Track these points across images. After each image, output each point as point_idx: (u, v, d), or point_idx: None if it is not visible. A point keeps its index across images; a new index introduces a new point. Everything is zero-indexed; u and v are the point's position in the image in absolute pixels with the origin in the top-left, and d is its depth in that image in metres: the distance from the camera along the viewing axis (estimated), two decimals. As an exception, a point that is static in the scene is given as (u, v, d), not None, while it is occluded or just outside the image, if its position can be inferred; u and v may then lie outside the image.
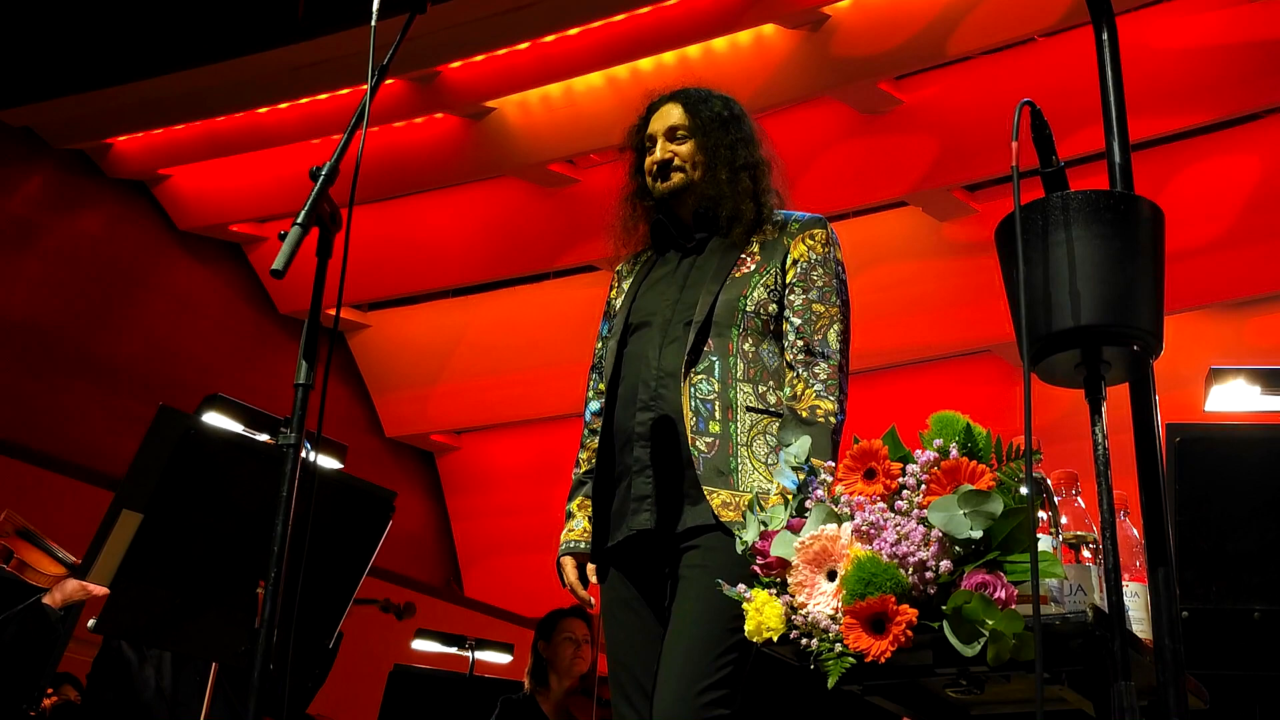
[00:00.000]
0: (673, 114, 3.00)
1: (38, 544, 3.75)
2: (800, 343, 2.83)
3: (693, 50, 7.82)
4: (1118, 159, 1.89)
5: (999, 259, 1.86)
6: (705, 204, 2.94)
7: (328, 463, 4.40)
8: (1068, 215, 1.77)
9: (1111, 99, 1.92)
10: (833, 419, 2.76)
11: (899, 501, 1.88)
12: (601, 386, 2.98)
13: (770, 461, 2.75)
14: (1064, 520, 1.98)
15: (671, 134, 2.98)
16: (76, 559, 3.74)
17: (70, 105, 8.32)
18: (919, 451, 1.91)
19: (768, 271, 2.87)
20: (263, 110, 8.55)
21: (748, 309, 2.83)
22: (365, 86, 2.33)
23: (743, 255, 2.89)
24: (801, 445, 2.10)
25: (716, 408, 2.77)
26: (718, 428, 2.76)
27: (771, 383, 2.83)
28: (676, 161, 2.95)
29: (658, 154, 2.97)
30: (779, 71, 7.70)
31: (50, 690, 5.73)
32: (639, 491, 2.80)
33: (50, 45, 8.23)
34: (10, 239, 8.41)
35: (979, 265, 7.75)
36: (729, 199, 2.92)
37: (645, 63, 7.80)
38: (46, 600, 3.71)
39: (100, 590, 3.56)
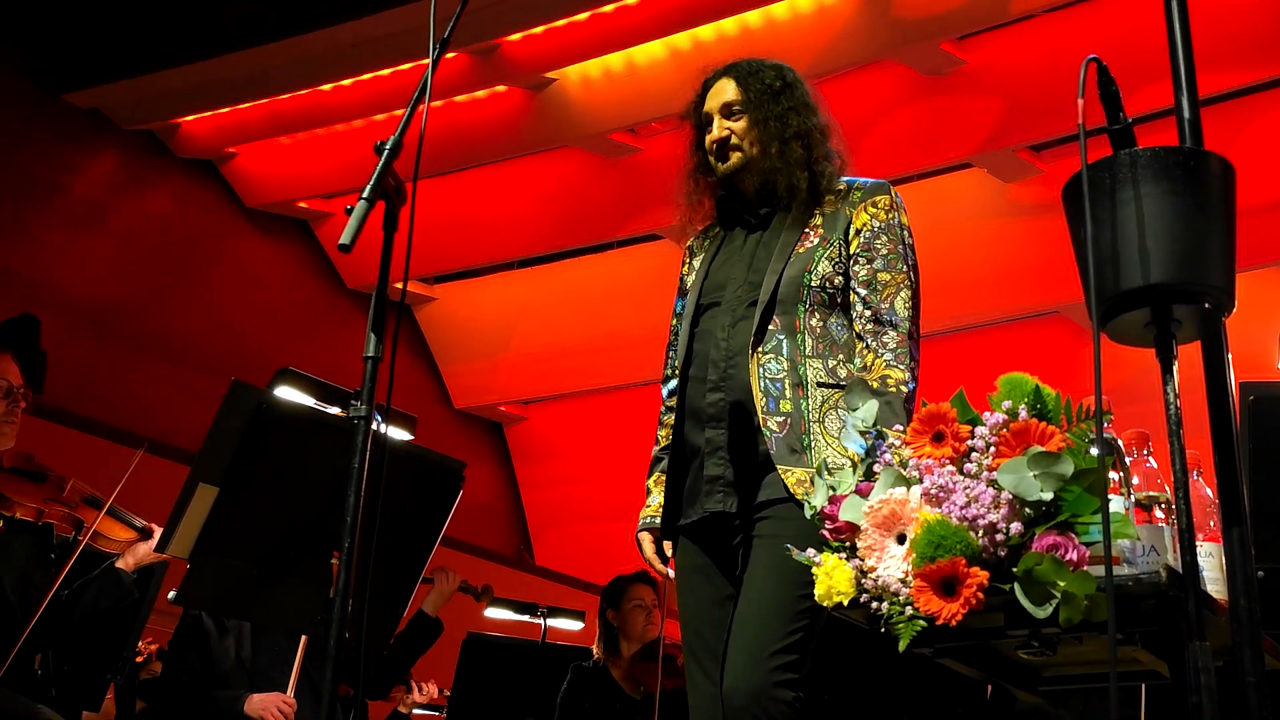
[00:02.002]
0: (726, 89, 2.99)
1: (110, 513, 3.83)
2: (868, 312, 2.81)
3: (753, 17, 7.77)
4: (1187, 114, 1.86)
5: (1066, 219, 1.84)
6: (763, 180, 2.94)
7: (398, 434, 4.44)
8: (1136, 173, 1.75)
9: (1180, 53, 1.89)
10: (904, 388, 2.74)
11: (968, 464, 1.87)
12: (678, 364, 3.00)
13: (843, 435, 2.74)
14: (1135, 481, 1.97)
15: (727, 110, 2.97)
16: (148, 523, 3.83)
17: (137, 86, 8.41)
18: (988, 414, 1.90)
19: (831, 244, 2.85)
20: (326, 87, 8.61)
21: (813, 284, 2.82)
22: (426, 61, 2.34)
23: (806, 229, 2.88)
24: (868, 409, 2.10)
25: (786, 386, 2.76)
26: (789, 406, 2.75)
27: (841, 356, 2.82)
28: (734, 140, 2.95)
29: (715, 132, 2.97)
30: (840, 36, 7.63)
31: (140, 659, 5.85)
32: (712, 472, 2.81)
33: (116, 27, 8.32)
34: (82, 220, 8.54)
35: (1046, 226, 7.66)
36: (783, 172, 2.91)
37: (705, 30, 7.75)
38: (120, 565, 3.81)
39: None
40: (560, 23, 7.95)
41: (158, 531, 3.81)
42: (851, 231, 2.86)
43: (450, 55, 7.83)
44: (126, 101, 8.60)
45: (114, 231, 8.72)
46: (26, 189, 8.21)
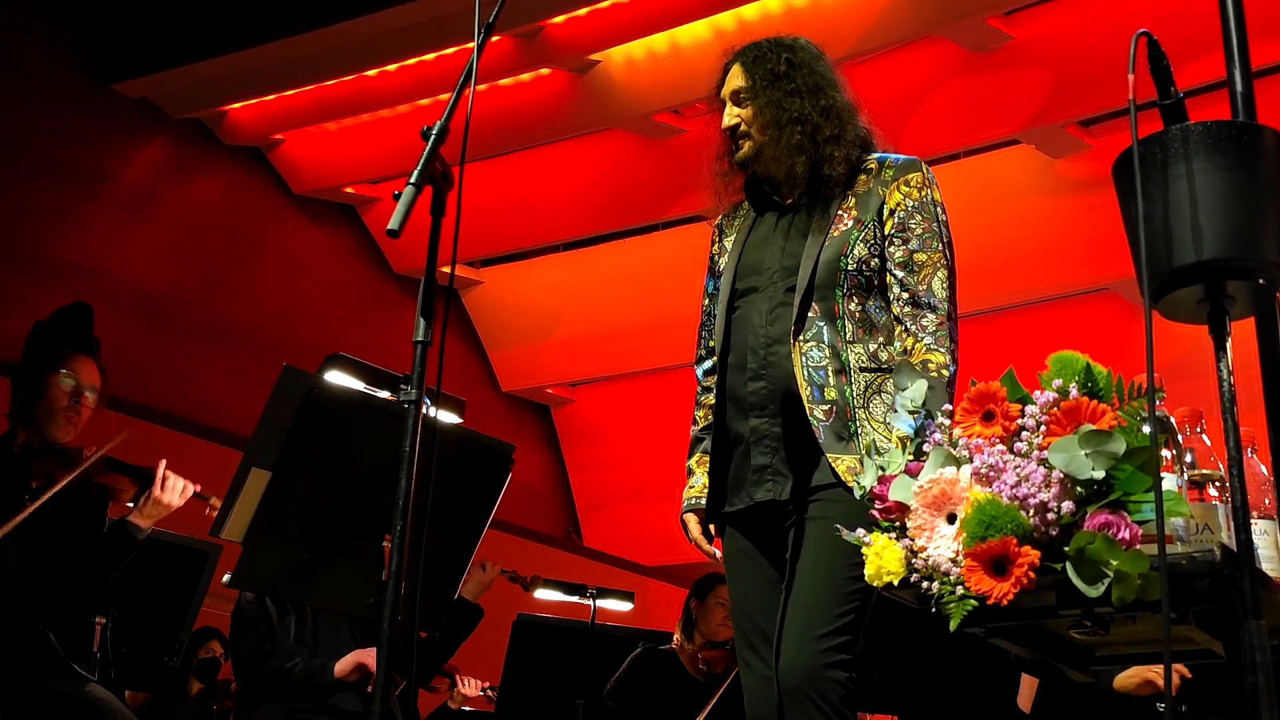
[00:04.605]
0: (736, 76, 3.00)
1: (122, 470, 3.89)
2: (905, 295, 2.79)
3: (797, -6, 7.73)
4: (1239, 87, 1.84)
5: (1117, 195, 1.83)
6: (775, 165, 2.93)
7: (447, 418, 4.47)
8: (1188, 148, 1.73)
9: (1232, 24, 1.86)
10: (945, 372, 2.72)
11: (1018, 443, 1.86)
12: (713, 344, 2.99)
13: (889, 420, 2.73)
14: (1188, 458, 1.95)
15: (736, 98, 2.98)
16: (150, 467, 3.87)
17: (185, 75, 8.47)
18: (1038, 392, 1.89)
19: (865, 225, 2.83)
20: (371, 73, 8.64)
21: (849, 268, 2.80)
22: (471, 45, 2.34)
23: (839, 211, 2.86)
24: (918, 389, 2.09)
25: (829, 373, 2.75)
26: (833, 394, 2.74)
27: (881, 339, 2.80)
28: (743, 128, 2.95)
29: (724, 120, 2.99)
30: (886, 12, 7.57)
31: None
32: (758, 462, 2.81)
33: (163, 17, 8.39)
34: (133, 208, 8.63)
35: (1096, 202, 7.59)
36: (782, 159, 2.91)
37: (749, 10, 7.72)
38: (133, 519, 3.84)
39: (182, 499, 3.79)
40: (603, 4, 7.93)
41: (159, 474, 3.84)
42: (885, 212, 2.84)
43: (494, 39, 7.83)
44: (175, 90, 8.67)
45: (165, 219, 8.80)
46: (79, 179, 8.31)
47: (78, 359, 3.94)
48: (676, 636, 5.40)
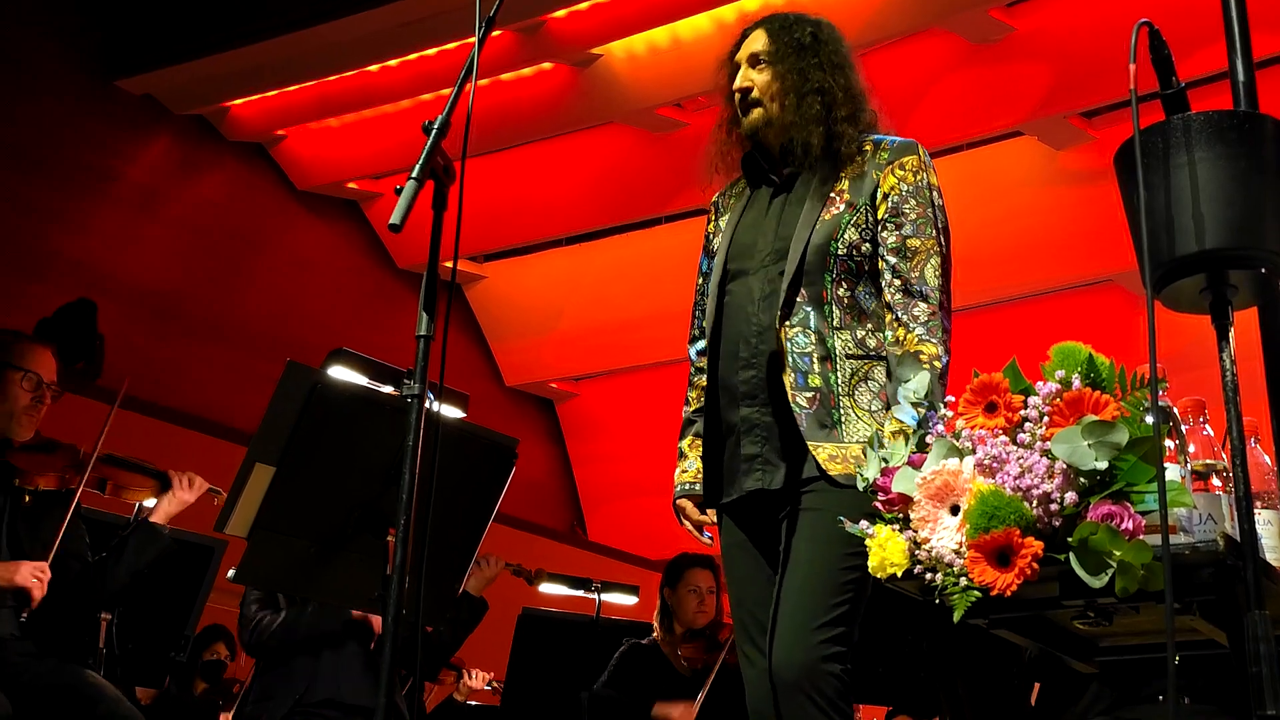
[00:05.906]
0: (758, 40, 2.93)
1: (125, 466, 3.89)
2: (897, 282, 2.74)
3: (799, -14, 7.71)
4: (1241, 77, 1.84)
5: (1119, 185, 1.83)
6: (785, 136, 2.87)
7: (451, 412, 4.47)
8: (1189, 137, 1.73)
9: (1234, 14, 1.86)
10: (937, 363, 2.67)
11: (1021, 434, 1.86)
12: (706, 325, 2.95)
13: (874, 409, 2.69)
14: (1192, 449, 1.95)
15: (754, 60, 2.91)
16: (161, 469, 3.93)
17: (188, 71, 8.48)
18: (1041, 384, 1.89)
19: (858, 209, 2.78)
20: (373, 69, 8.65)
21: (839, 253, 2.75)
22: (473, 40, 2.34)
23: (831, 194, 2.80)
24: (920, 381, 2.09)
25: (814, 360, 2.71)
26: (818, 380, 2.70)
27: (870, 325, 2.75)
28: (755, 94, 2.88)
29: (737, 81, 2.91)
30: (888, 4, 7.57)
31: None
32: (748, 451, 2.78)
33: (166, 13, 8.39)
34: (137, 205, 8.63)
35: (1098, 193, 7.57)
36: (798, 128, 2.83)
37: (751, 3, 7.71)
38: (153, 519, 3.88)
39: (196, 494, 3.85)
40: (605, -2, 7.94)
41: (175, 477, 3.90)
42: (879, 196, 2.79)
43: (496, 33, 7.82)
44: (178, 87, 8.68)
45: (168, 216, 8.81)
46: (83, 176, 8.32)
47: (35, 351, 3.79)
48: (656, 628, 5.34)
